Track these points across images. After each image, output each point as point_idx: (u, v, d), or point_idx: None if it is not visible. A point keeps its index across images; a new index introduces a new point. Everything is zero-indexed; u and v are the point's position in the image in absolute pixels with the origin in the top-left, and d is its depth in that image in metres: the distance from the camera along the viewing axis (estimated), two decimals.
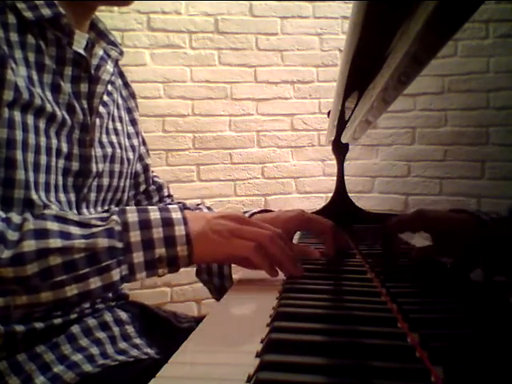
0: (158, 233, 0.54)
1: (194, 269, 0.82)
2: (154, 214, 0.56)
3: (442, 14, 0.38)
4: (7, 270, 0.48)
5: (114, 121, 0.80)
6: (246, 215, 0.78)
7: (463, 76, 1.94)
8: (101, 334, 0.66)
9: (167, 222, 0.55)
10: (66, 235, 0.51)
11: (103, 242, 0.52)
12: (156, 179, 0.94)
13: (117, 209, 0.57)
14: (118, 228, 0.53)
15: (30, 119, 0.63)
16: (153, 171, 0.95)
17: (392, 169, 2.10)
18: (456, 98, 1.96)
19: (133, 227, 0.54)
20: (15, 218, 0.53)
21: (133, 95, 0.89)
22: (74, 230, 0.52)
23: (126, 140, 0.82)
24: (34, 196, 0.62)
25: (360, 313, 0.45)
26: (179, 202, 0.95)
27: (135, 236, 0.54)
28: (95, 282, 0.51)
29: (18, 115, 0.61)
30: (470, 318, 0.43)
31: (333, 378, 0.32)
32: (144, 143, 0.90)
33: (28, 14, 0.65)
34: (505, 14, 1.86)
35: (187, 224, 0.56)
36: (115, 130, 0.80)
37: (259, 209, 0.84)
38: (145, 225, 0.54)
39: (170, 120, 2.09)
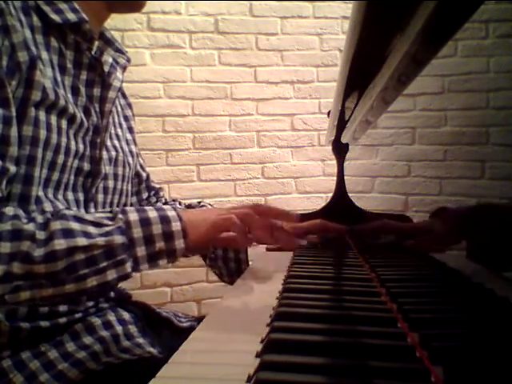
0: (157, 229, 0.60)
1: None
2: (152, 212, 0.61)
3: (442, 14, 0.38)
4: (40, 266, 0.53)
5: (115, 126, 0.83)
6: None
7: (463, 76, 1.94)
8: (104, 333, 0.67)
9: (165, 220, 0.61)
10: (87, 234, 0.56)
11: (118, 239, 0.57)
12: (153, 185, 1.01)
13: (118, 209, 0.61)
14: (124, 226, 0.58)
15: (54, 119, 0.65)
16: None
17: (392, 169, 2.10)
18: (456, 97, 1.96)
19: (135, 225, 0.59)
20: (39, 217, 0.57)
21: (130, 105, 0.93)
22: (92, 229, 0.57)
23: (126, 146, 0.86)
24: (40, 193, 0.64)
25: (360, 313, 0.45)
26: (174, 201, 1.02)
27: (137, 232, 0.59)
28: (112, 274, 0.57)
29: (42, 115, 0.63)
30: (470, 318, 0.43)
31: (333, 378, 0.32)
32: (138, 154, 0.96)
33: (55, 17, 0.67)
34: (505, 13, 1.86)
35: (182, 220, 0.62)
36: (117, 135, 0.83)
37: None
38: (145, 222, 0.60)
39: (169, 120, 2.09)
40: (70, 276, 0.54)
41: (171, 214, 0.62)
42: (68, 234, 0.55)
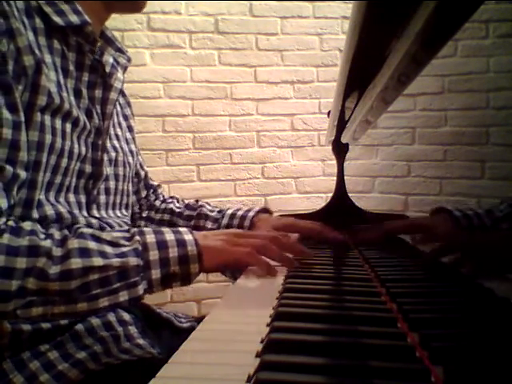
0: (173, 252, 0.60)
1: None
2: (169, 235, 0.61)
3: (442, 14, 0.38)
4: (54, 284, 0.53)
5: (114, 127, 0.83)
6: (249, 215, 0.90)
7: (463, 76, 1.94)
8: (105, 333, 0.67)
9: (181, 243, 0.61)
10: (103, 254, 0.56)
11: (133, 261, 0.57)
12: (152, 183, 1.02)
13: (136, 229, 0.62)
14: (140, 248, 0.59)
15: (58, 123, 0.65)
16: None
17: (392, 169, 2.10)
18: (456, 97, 1.96)
19: (151, 247, 0.59)
20: (56, 234, 0.57)
21: (129, 104, 0.93)
22: (108, 249, 0.57)
23: (125, 145, 0.86)
24: (41, 196, 0.64)
25: (360, 313, 0.45)
26: (172, 197, 1.02)
27: (154, 255, 0.59)
28: (124, 296, 0.57)
29: (48, 119, 0.63)
30: (470, 318, 0.43)
31: (333, 378, 0.32)
32: (138, 152, 0.96)
33: (58, 19, 0.67)
34: (505, 13, 1.86)
35: (198, 245, 0.61)
36: (116, 135, 0.83)
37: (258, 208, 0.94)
38: (162, 245, 0.60)
39: (169, 120, 2.09)
40: (82, 295, 0.54)
41: (188, 237, 0.62)
42: (85, 253, 0.55)
